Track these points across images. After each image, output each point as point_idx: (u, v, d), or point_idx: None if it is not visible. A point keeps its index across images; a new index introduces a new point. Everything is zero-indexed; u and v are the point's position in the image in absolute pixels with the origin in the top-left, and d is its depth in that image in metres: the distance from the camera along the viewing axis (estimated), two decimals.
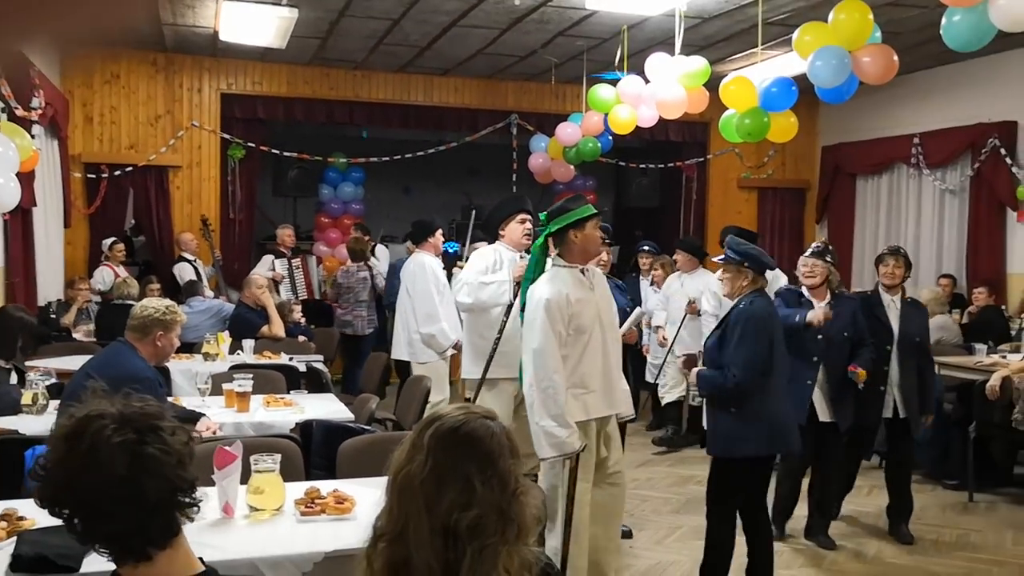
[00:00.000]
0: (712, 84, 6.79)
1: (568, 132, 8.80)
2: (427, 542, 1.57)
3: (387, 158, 10.12)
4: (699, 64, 6.76)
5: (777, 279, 6.81)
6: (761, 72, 6.72)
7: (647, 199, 11.66)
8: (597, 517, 4.05)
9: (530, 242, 5.10)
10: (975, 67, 9.01)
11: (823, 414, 4.94)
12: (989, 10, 4.62)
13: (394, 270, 8.25)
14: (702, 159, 11.00)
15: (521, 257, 5.16)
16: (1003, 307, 8.41)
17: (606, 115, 7.98)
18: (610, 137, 8.66)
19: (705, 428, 4.42)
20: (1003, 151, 8.74)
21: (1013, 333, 7.77)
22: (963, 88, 9.27)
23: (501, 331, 5.01)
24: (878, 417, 5.18)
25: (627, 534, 5.06)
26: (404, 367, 6.87)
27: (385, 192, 12.17)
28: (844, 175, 10.90)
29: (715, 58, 8.09)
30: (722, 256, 4.29)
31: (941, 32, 4.98)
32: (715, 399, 4.17)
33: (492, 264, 5.24)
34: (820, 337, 4.88)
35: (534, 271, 4.11)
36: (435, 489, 1.59)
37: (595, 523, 4.04)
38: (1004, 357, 6.70)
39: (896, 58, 5.57)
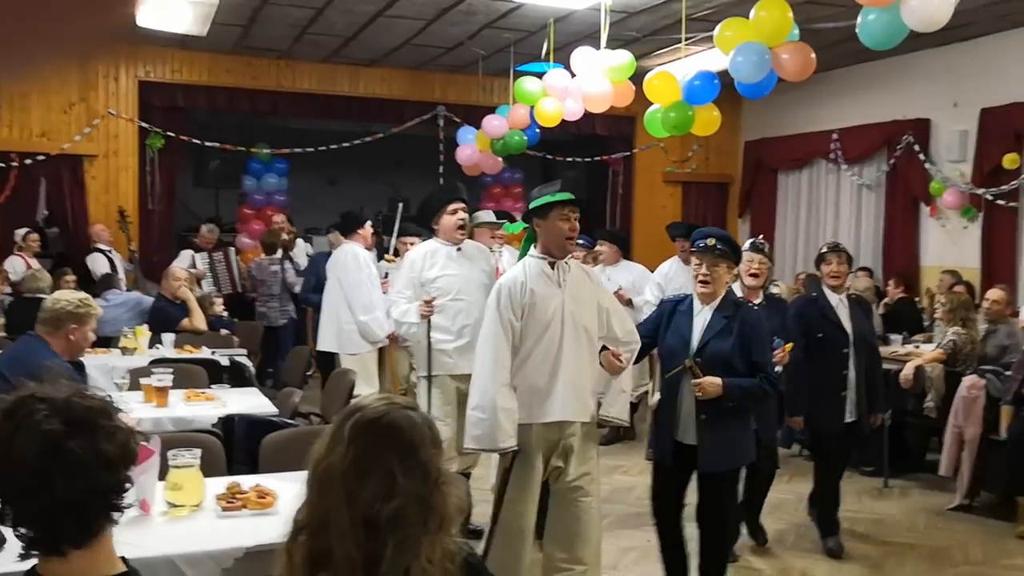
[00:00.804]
0: (637, 79, 6.85)
1: (494, 124, 8.78)
2: (348, 534, 1.55)
3: (312, 149, 9.99)
4: (624, 58, 6.80)
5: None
6: (684, 67, 6.79)
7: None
8: (554, 536, 3.78)
9: (464, 236, 5.00)
10: (890, 66, 9.27)
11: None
12: (902, 10, 4.76)
13: (315, 263, 8.12)
14: (628, 153, 11.11)
15: (459, 251, 4.96)
16: (916, 299, 8.68)
17: (532, 108, 7.99)
18: (537, 130, 8.67)
19: (695, 444, 3.84)
20: (917, 148, 9.02)
21: (926, 324, 8.02)
22: (879, 86, 9.53)
23: (428, 330, 4.83)
24: (840, 423, 4.84)
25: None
26: (327, 361, 6.78)
27: (310, 184, 12.01)
28: (766, 170, 11.13)
29: (640, 53, 8.16)
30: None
31: (857, 31, 5.10)
32: (724, 409, 3.78)
33: (422, 267, 4.93)
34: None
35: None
36: (356, 480, 1.57)
37: (552, 542, 3.79)
38: (917, 347, 6.92)
39: (814, 55, 5.68)
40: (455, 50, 9.20)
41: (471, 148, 9.43)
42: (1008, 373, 5.74)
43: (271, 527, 2.59)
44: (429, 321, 4.83)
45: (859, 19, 5.06)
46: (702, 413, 3.79)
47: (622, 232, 9.66)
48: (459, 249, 4.95)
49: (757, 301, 4.65)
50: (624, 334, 3.89)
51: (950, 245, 8.77)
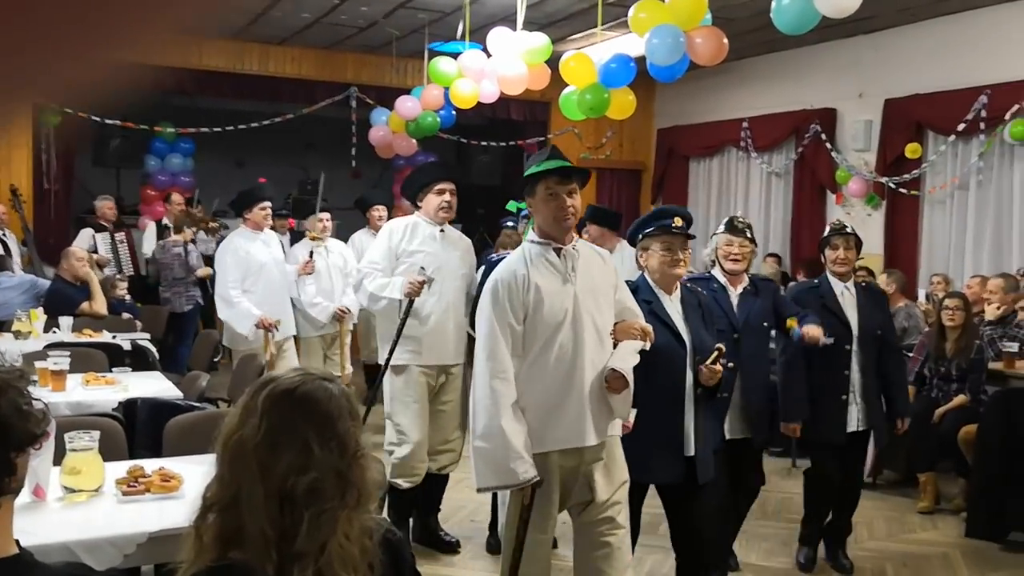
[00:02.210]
0: (553, 63, 6.82)
1: (408, 106, 8.66)
2: (261, 508, 1.46)
3: (219, 129, 9.69)
4: (541, 40, 6.77)
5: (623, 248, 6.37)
6: (600, 52, 6.80)
7: (489, 177, 11.69)
8: None
9: (448, 216, 4.61)
10: (799, 56, 9.47)
11: (732, 429, 4.00)
12: None
13: None
14: (543, 138, 11.09)
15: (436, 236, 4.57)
16: None
17: (447, 89, 7.89)
18: (453, 112, 8.59)
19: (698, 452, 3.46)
20: (824, 137, 9.23)
21: None
22: (788, 76, 9.72)
23: (407, 313, 4.38)
24: (840, 433, 4.24)
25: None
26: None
27: (217, 165, 11.66)
28: (678, 157, 11.27)
29: (556, 37, 8.14)
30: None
31: (771, 16, 5.16)
32: (717, 407, 3.65)
33: (401, 238, 4.51)
34: (736, 333, 3.90)
35: None
36: (270, 453, 1.49)
37: None
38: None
39: (726, 41, 5.74)
40: (368, 30, 9.02)
41: (384, 129, 9.29)
42: (910, 355, 5.92)
43: (176, 511, 2.48)
44: (410, 303, 4.37)
45: (773, 4, 5.13)
46: (701, 414, 3.44)
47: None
48: (442, 230, 4.59)
49: (740, 288, 4.08)
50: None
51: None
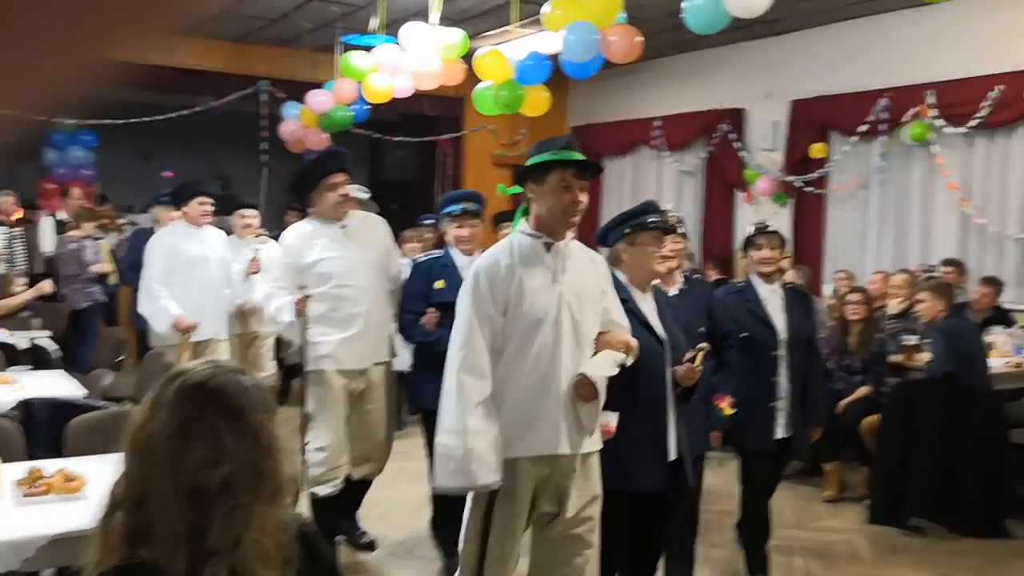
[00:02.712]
0: (467, 59, 6.80)
1: (320, 100, 8.52)
2: (172, 505, 1.41)
3: (123, 121, 9.37)
4: (456, 35, 6.75)
5: None
6: (515, 49, 6.81)
7: (403, 173, 11.62)
8: None
9: (346, 209, 4.34)
10: (710, 56, 9.65)
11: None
12: None
13: (133, 240, 7.62)
14: (457, 135, 11.07)
15: (340, 228, 4.29)
16: (732, 281, 9.10)
17: (361, 84, 7.80)
18: (366, 107, 8.49)
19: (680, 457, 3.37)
20: (733, 136, 9.43)
21: None
22: (699, 76, 9.90)
23: (304, 330, 4.19)
24: (768, 440, 4.08)
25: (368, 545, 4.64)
26: (145, 344, 6.37)
27: (121, 158, 11.30)
28: (591, 155, 11.28)
29: (471, 33, 8.11)
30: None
31: (683, 15, 5.25)
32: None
33: (299, 252, 4.24)
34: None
35: None
36: (181, 446, 1.43)
37: None
38: None
39: (640, 39, 5.81)
40: (279, 22, 8.85)
41: (295, 124, 9.13)
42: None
43: (79, 512, 2.37)
44: (304, 320, 4.21)
45: (685, 4, 5.21)
46: (681, 416, 3.36)
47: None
48: (343, 227, 4.30)
49: (675, 289, 3.90)
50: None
51: None
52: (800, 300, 4.31)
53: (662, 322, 3.35)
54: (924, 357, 5.52)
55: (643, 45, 5.84)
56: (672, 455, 3.29)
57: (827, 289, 7.98)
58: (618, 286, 3.22)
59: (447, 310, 4.06)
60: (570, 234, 3.01)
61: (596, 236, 3.55)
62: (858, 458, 5.81)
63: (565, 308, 2.85)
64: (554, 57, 6.03)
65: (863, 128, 8.14)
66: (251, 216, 6.54)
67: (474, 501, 2.87)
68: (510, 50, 6.72)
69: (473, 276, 2.88)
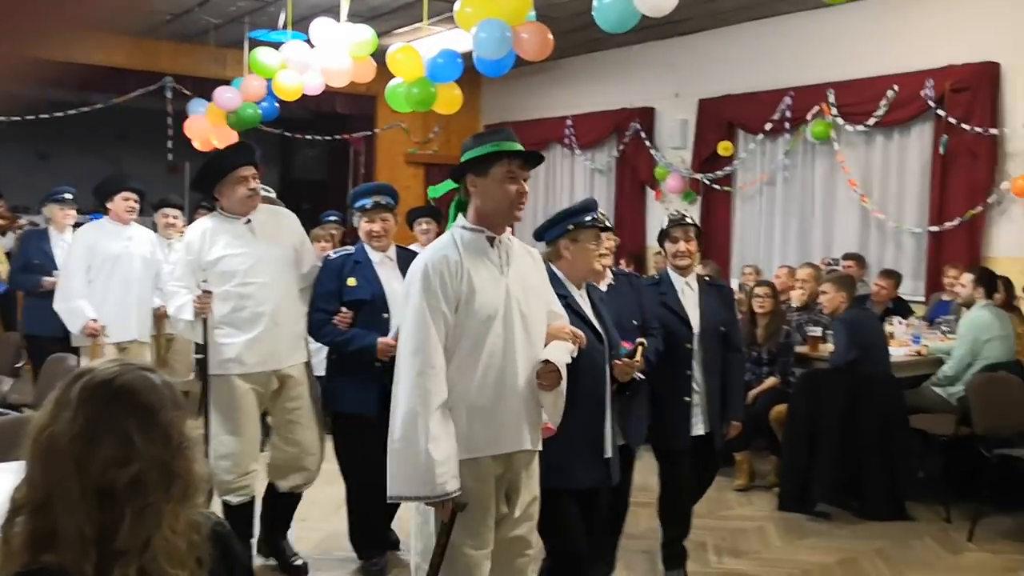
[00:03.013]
0: (379, 57, 6.75)
1: (227, 97, 8.34)
2: (78, 506, 1.36)
3: (18, 118, 9.02)
4: (366, 32, 6.68)
5: None
6: (427, 47, 6.78)
7: (314, 171, 11.48)
8: None
9: (253, 203, 4.08)
10: (620, 56, 9.78)
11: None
12: None
13: (24, 241, 7.32)
14: (369, 133, 10.98)
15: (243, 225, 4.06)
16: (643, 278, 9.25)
17: (270, 81, 7.66)
18: (276, 104, 8.34)
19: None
20: (643, 135, 9.58)
21: None
22: (609, 75, 10.03)
23: (205, 331, 3.98)
24: (684, 437, 4.00)
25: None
26: (39, 350, 6.11)
27: (17, 157, 10.87)
28: None
29: (381, 30, 8.06)
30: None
31: (593, 14, 5.30)
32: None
33: (200, 248, 4.03)
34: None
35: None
36: (87, 446, 1.38)
37: None
38: None
39: (551, 36, 5.85)
40: (184, 17, 8.64)
41: (202, 121, 8.92)
42: None
43: None
44: (204, 321, 3.98)
45: (595, 2, 5.26)
46: (615, 414, 3.36)
47: None
48: (248, 222, 4.06)
49: (605, 284, 3.82)
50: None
51: None
52: (719, 293, 4.22)
53: (598, 318, 3.33)
54: (828, 347, 5.70)
55: (554, 44, 5.88)
56: (608, 452, 3.29)
57: (735, 283, 8.17)
58: (556, 282, 3.20)
59: (360, 308, 3.99)
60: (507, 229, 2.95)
61: (535, 232, 3.51)
62: (768, 447, 5.96)
63: (514, 302, 2.79)
64: (466, 55, 6.02)
65: (768, 126, 8.37)
66: (174, 215, 6.35)
67: (435, 510, 2.71)
68: (423, 47, 6.69)
69: (422, 273, 2.71)
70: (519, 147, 2.81)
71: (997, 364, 5.34)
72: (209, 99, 8.67)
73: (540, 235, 3.47)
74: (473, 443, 2.73)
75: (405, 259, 4.07)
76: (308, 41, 6.91)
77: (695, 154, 9.19)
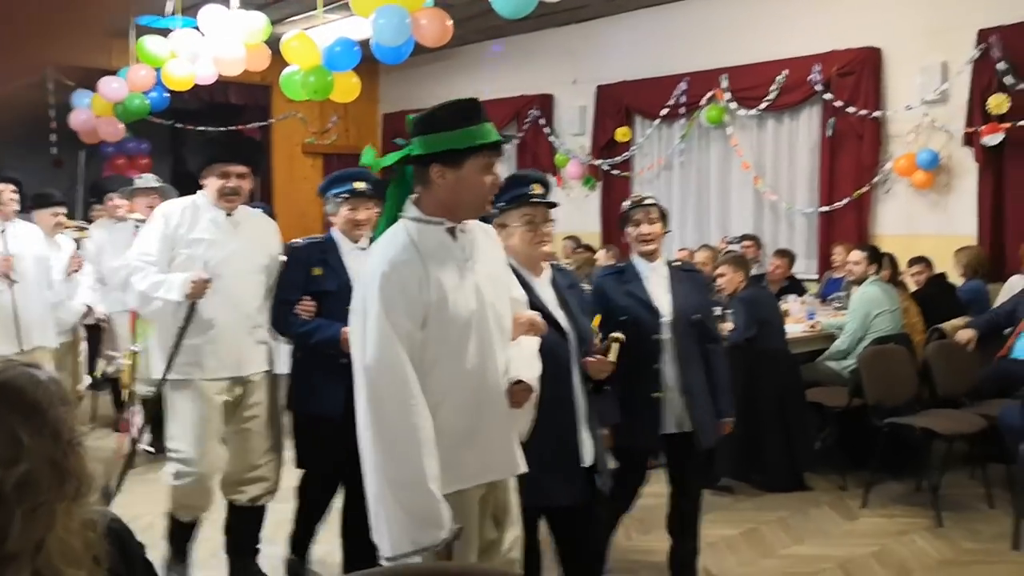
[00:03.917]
0: (273, 45, 6.60)
1: (113, 87, 8.05)
2: None
3: None
4: (259, 20, 6.53)
5: None
6: (322, 35, 6.67)
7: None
8: None
9: (232, 204, 3.74)
10: (518, 43, 9.81)
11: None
12: None
13: None
14: (265, 123, 10.75)
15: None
16: None
17: (159, 70, 7.42)
18: (166, 95, 8.09)
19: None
20: (543, 122, 9.63)
21: None
22: (508, 62, 10.04)
23: (188, 318, 3.66)
24: (654, 436, 3.64)
25: None
26: None
27: None
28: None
29: (274, 18, 7.88)
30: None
31: (491, 0, 5.29)
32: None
33: (179, 223, 3.70)
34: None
35: (388, 222, 2.54)
36: None
37: None
38: None
39: (450, 22, 5.82)
40: None
41: (87, 113, 8.60)
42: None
43: None
44: (191, 306, 3.63)
45: None
46: (593, 416, 3.05)
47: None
48: (230, 215, 3.75)
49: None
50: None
51: (575, 212, 9.44)
52: (690, 278, 3.82)
53: (565, 309, 2.96)
54: (727, 326, 5.84)
55: (453, 30, 5.86)
56: (587, 460, 2.94)
57: None
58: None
59: (323, 299, 3.68)
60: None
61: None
62: None
63: (487, 303, 2.43)
64: (363, 43, 5.94)
65: (664, 112, 8.51)
66: (61, 211, 5.84)
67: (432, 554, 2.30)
68: (318, 35, 6.57)
69: (379, 286, 2.29)
70: (495, 134, 2.45)
71: (886, 336, 5.56)
72: (93, 89, 8.36)
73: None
74: (460, 473, 2.37)
75: None
76: (198, 28, 6.71)
77: (594, 140, 9.29)
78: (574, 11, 8.55)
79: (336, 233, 3.83)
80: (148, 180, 5.84)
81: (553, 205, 3.04)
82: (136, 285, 3.67)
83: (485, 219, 2.73)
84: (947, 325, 5.81)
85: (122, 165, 10.43)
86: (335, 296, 3.57)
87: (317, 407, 3.66)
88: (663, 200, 8.64)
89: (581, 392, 2.99)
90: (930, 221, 7.12)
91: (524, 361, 2.53)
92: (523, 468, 2.54)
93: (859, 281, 5.98)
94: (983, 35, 6.58)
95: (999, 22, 6.51)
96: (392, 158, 2.51)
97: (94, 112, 8.60)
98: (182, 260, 3.67)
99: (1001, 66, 6.45)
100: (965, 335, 5.50)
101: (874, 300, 5.74)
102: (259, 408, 3.84)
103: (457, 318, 2.35)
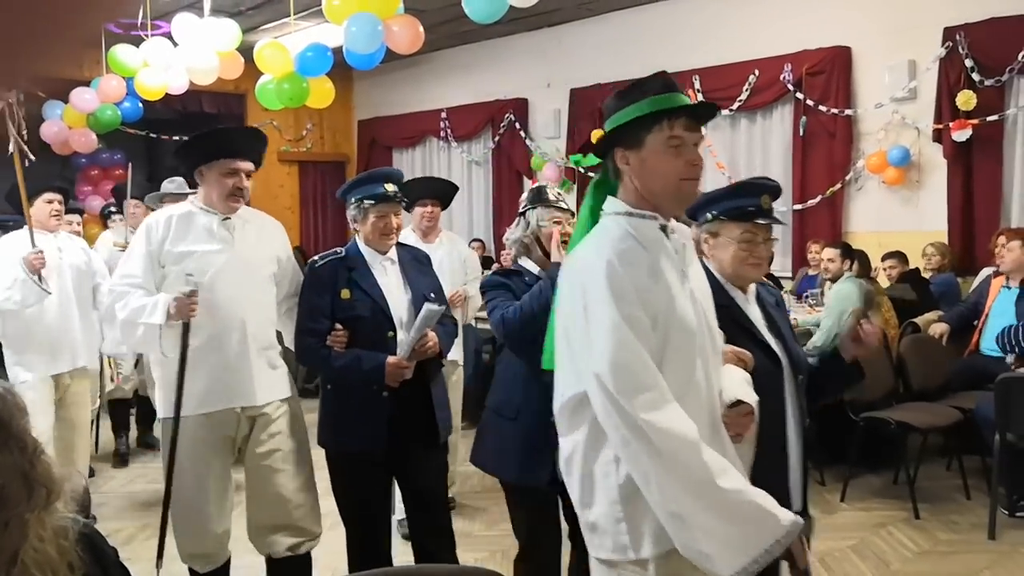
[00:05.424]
0: (246, 54, 6.59)
1: (86, 98, 8.01)
2: None
3: None
4: (231, 28, 6.53)
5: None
6: (295, 42, 6.67)
7: (182, 174, 11.10)
8: None
9: (237, 205, 3.30)
10: (491, 48, 9.83)
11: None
12: None
13: None
14: None
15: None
16: None
17: (131, 80, 7.39)
18: (140, 105, 8.06)
19: None
20: (518, 126, 9.66)
21: None
22: (482, 67, 10.07)
23: (185, 343, 3.16)
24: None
25: None
26: None
27: None
28: (381, 147, 11.34)
29: (247, 26, 7.88)
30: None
31: (463, 3, 5.31)
32: None
33: (165, 237, 3.22)
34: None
35: (586, 227, 2.10)
36: None
37: None
38: None
39: (422, 29, 5.84)
40: None
41: (59, 124, 8.54)
42: None
43: None
44: (186, 327, 3.15)
45: None
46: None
47: None
48: (226, 219, 3.28)
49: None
50: None
51: None
52: None
53: (773, 330, 2.54)
54: None
55: (425, 37, 5.88)
56: (796, 506, 2.44)
57: None
58: (713, 286, 2.28)
59: (355, 324, 3.22)
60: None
61: (688, 211, 2.57)
62: None
63: (702, 316, 2.01)
64: (336, 51, 5.94)
65: None
66: (56, 197, 5.38)
67: (795, 556, 1.85)
68: (291, 43, 6.57)
69: (607, 273, 1.87)
70: (682, 99, 1.98)
71: None
72: (65, 100, 8.31)
73: (693, 214, 2.65)
74: None
75: (411, 260, 3.43)
76: (170, 37, 6.69)
77: (569, 143, 9.32)
78: (546, 15, 8.58)
79: (361, 244, 3.34)
80: (179, 184, 5.65)
81: (778, 222, 2.61)
82: (118, 314, 3.18)
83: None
84: (921, 319, 5.89)
85: (95, 176, 10.38)
86: (368, 322, 3.20)
87: (355, 444, 3.24)
88: None
89: (796, 429, 2.48)
90: (902, 217, 7.20)
91: (738, 384, 2.11)
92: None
93: (835, 278, 6.04)
94: (949, 33, 6.67)
95: (964, 20, 6.60)
96: (589, 160, 2.13)
97: (66, 123, 8.54)
98: (172, 279, 3.19)
99: (968, 63, 6.54)
100: (939, 329, 5.58)
101: (850, 296, 5.80)
102: (278, 441, 3.31)
103: (685, 324, 1.93)
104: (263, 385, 3.28)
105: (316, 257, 3.42)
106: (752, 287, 2.60)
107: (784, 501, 2.18)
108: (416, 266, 3.45)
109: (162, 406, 3.31)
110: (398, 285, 3.32)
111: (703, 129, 2.04)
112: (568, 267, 2.04)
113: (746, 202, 2.53)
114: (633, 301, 1.86)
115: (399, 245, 3.45)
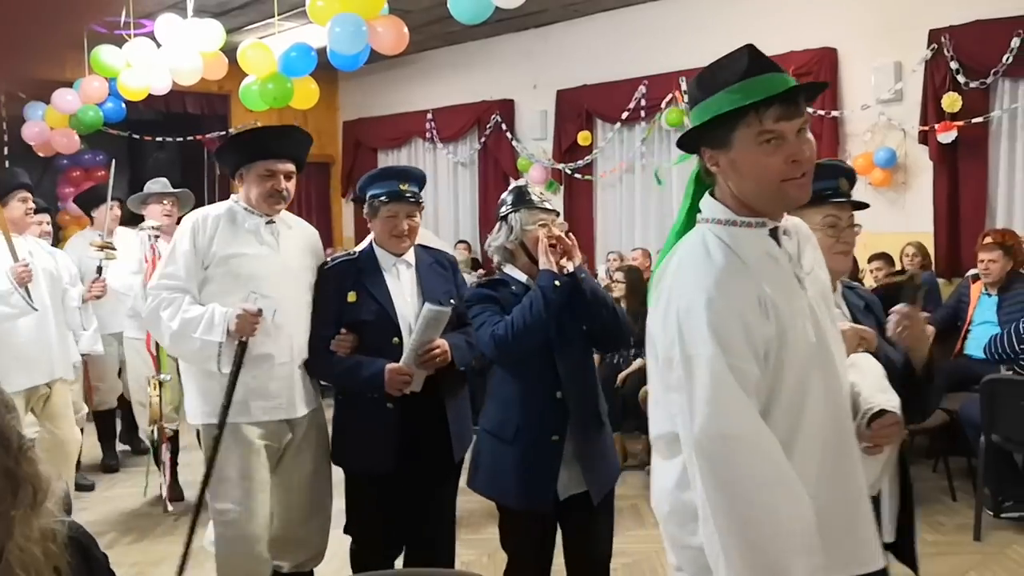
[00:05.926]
0: (230, 54, 6.55)
1: (68, 99, 7.94)
2: None
3: None
4: (215, 28, 6.48)
5: None
6: (279, 43, 6.62)
7: (166, 175, 11.00)
8: None
9: (279, 207, 3.25)
10: (477, 48, 9.81)
11: (568, 484, 2.91)
12: None
13: None
14: (224, 133, 10.64)
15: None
16: None
17: (113, 81, 7.33)
18: (123, 106, 8.00)
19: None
20: (504, 127, 9.64)
21: None
22: (468, 68, 10.04)
23: (239, 362, 3.05)
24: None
25: None
26: None
27: None
28: (366, 149, 11.29)
29: (231, 27, 7.82)
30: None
31: (448, 5, 5.28)
32: None
33: (212, 236, 3.13)
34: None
35: (683, 228, 1.86)
36: None
37: None
38: None
39: (407, 30, 5.81)
40: None
41: (40, 125, 8.46)
42: None
43: None
44: (243, 345, 3.04)
45: None
46: None
47: None
48: (271, 222, 3.22)
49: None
50: None
51: None
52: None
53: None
54: None
55: (410, 38, 5.84)
56: (879, 534, 1.95)
57: (601, 271, 8.33)
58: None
59: (361, 329, 3.13)
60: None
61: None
62: (638, 428, 6.09)
63: (825, 329, 1.77)
64: (320, 51, 5.91)
65: (625, 115, 8.55)
66: (26, 194, 5.25)
67: None
68: (275, 43, 6.53)
69: (706, 324, 1.63)
70: (770, 84, 1.68)
71: None
72: (47, 101, 8.23)
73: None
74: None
75: (431, 264, 3.29)
76: (153, 38, 6.64)
77: (556, 144, 9.30)
78: (532, 16, 8.56)
79: (374, 245, 3.24)
80: (163, 184, 5.55)
81: (862, 206, 2.44)
82: (168, 322, 3.04)
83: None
84: None
85: (78, 178, 10.30)
86: (374, 326, 3.10)
87: (366, 464, 3.16)
88: (626, 203, 8.82)
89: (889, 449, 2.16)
90: (888, 219, 7.21)
91: (876, 386, 1.88)
92: (881, 563, 1.83)
93: None
94: (934, 35, 6.68)
95: (950, 22, 6.62)
96: (683, 157, 1.90)
97: (48, 125, 8.46)
98: (217, 283, 3.11)
99: (953, 65, 6.56)
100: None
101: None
102: (306, 456, 3.27)
103: (799, 350, 1.69)
104: (303, 396, 3.23)
105: (328, 259, 3.35)
106: (838, 287, 2.39)
107: (858, 518, 1.82)
108: (435, 270, 3.29)
109: (198, 413, 3.23)
110: (411, 290, 3.19)
111: (809, 110, 1.75)
112: (662, 291, 1.76)
113: (824, 185, 2.28)
114: (742, 347, 1.63)
115: (423, 248, 3.33)
